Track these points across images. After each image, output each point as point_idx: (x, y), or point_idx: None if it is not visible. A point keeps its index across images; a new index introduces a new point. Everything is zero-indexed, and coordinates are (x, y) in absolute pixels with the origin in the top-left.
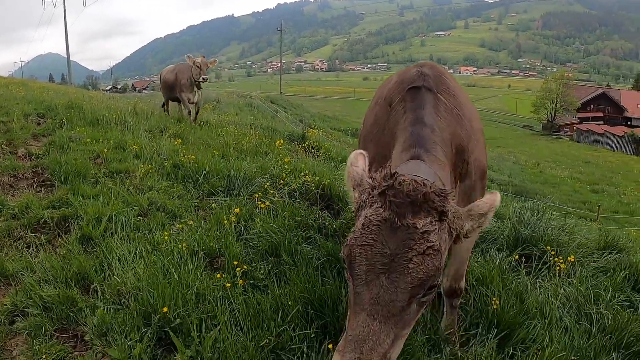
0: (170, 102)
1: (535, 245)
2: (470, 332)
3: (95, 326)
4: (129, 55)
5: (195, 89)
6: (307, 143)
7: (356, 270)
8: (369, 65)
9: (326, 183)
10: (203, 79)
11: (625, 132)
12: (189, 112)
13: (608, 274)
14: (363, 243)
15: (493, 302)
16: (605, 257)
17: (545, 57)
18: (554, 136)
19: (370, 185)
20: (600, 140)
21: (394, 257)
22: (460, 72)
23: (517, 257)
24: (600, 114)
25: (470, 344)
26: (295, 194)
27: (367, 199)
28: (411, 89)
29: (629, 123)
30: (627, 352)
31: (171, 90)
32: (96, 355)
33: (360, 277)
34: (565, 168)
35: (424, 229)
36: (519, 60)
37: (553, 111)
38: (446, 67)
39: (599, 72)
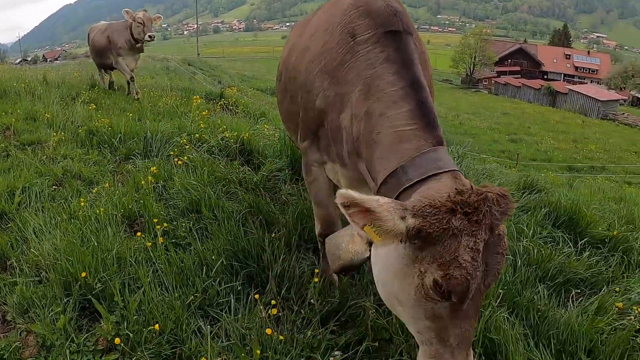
0: (104, 71)
1: None
2: None
3: (15, 304)
4: (37, 24)
5: (136, 53)
6: (224, 101)
7: (468, 295)
8: (287, 24)
9: (245, 137)
10: (149, 36)
11: (541, 85)
12: (130, 80)
13: (529, 212)
14: (476, 274)
15: None
16: (526, 197)
17: (464, 13)
18: (473, 89)
19: (457, 209)
20: (518, 93)
21: (488, 266)
22: None
23: None
24: (518, 68)
25: None
26: (215, 150)
27: (461, 224)
28: (389, 33)
29: (545, 77)
30: (552, 284)
31: (102, 56)
32: (20, 334)
33: (468, 297)
34: (485, 119)
35: (505, 233)
36: (438, 16)
37: (472, 65)
38: None
39: (517, 28)
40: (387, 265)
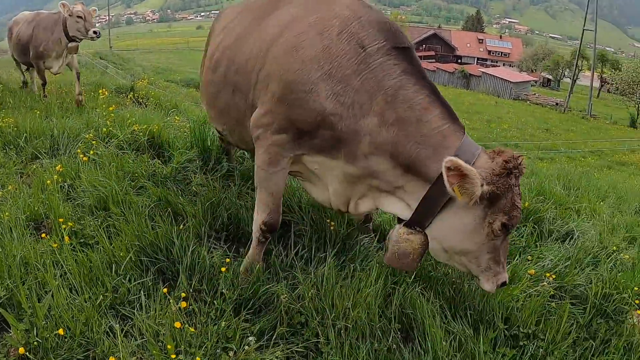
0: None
1: None
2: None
3: None
4: None
5: (69, 54)
6: (134, 94)
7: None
8: (202, 14)
9: (155, 130)
10: (95, 32)
11: (455, 69)
12: (43, 84)
13: None
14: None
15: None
16: None
17: (380, 0)
18: None
19: (510, 172)
20: (433, 77)
21: None
22: None
23: None
24: (433, 53)
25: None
26: (124, 145)
27: (514, 181)
28: (399, 49)
29: (459, 61)
30: None
31: (24, 53)
32: None
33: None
34: None
35: None
36: None
37: None
38: None
39: (431, 14)
40: (461, 227)
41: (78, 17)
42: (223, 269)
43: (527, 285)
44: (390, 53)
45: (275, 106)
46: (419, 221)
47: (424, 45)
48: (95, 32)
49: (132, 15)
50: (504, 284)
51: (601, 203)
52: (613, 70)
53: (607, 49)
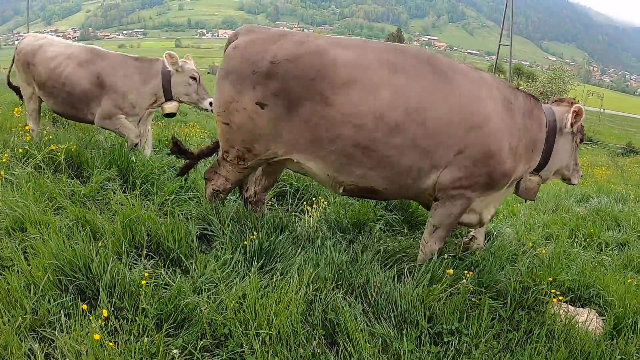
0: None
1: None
2: None
3: None
4: None
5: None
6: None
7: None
8: (124, 32)
9: (73, 150)
10: (210, 103)
11: None
12: (134, 147)
13: (360, 200)
14: None
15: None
16: None
17: (303, 19)
18: None
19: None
20: None
21: None
22: (219, 36)
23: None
24: None
25: None
26: (42, 165)
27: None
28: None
29: None
30: (388, 262)
31: (70, 104)
32: None
33: None
34: None
35: None
36: (277, 22)
37: None
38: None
39: (354, 33)
40: (567, 150)
41: (192, 77)
42: (143, 282)
43: (448, 284)
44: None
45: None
46: (541, 164)
47: None
48: (211, 104)
49: (52, 33)
50: (581, 176)
51: (518, 205)
52: (529, 82)
53: (523, 62)
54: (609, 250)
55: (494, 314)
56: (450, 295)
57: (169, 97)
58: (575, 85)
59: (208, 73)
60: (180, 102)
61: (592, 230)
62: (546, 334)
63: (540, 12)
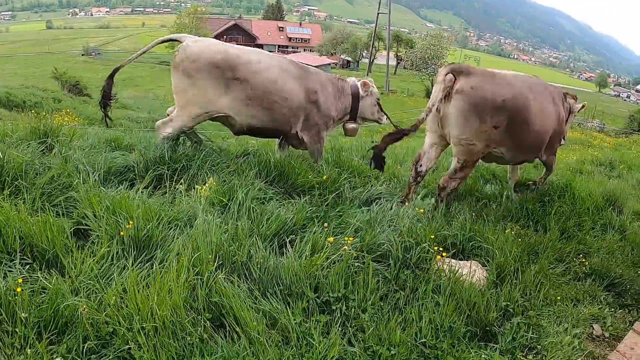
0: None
1: None
2: None
3: None
4: None
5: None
6: None
7: None
8: None
9: None
10: (387, 119)
11: None
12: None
13: (242, 174)
14: None
15: None
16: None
17: None
18: None
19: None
20: None
21: None
22: (92, 15)
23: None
24: (234, 43)
25: None
26: None
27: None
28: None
29: (261, 49)
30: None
31: (293, 117)
32: None
33: None
34: None
35: None
36: None
37: None
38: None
39: (232, 5)
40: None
41: (378, 100)
42: (18, 290)
43: (330, 252)
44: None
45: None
46: (353, 116)
47: (224, 37)
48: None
49: None
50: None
51: (399, 167)
52: (408, 48)
53: (402, 30)
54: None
55: (379, 276)
56: (334, 263)
57: (353, 117)
58: (453, 50)
59: (83, 55)
60: (360, 123)
61: (473, 185)
62: (432, 290)
63: None
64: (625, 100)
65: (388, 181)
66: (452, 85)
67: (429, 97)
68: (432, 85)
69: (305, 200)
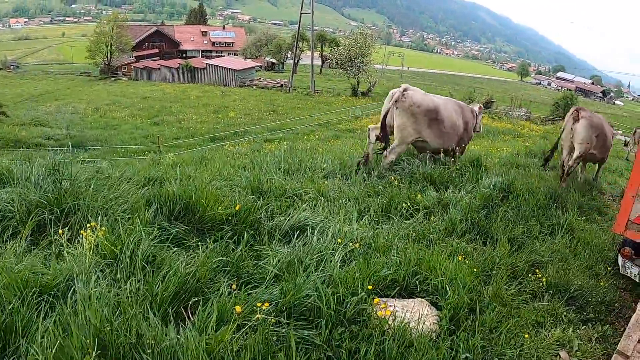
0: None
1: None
2: None
3: None
4: None
5: None
6: None
7: None
8: None
9: None
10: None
11: (179, 64)
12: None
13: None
14: None
15: None
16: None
17: (100, 0)
18: (113, 78)
19: None
20: (158, 75)
21: None
22: (10, 26)
23: None
24: (156, 50)
25: None
26: None
27: None
28: None
29: (184, 55)
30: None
31: (460, 141)
32: None
33: None
34: (125, 107)
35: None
36: (73, 6)
37: (109, 54)
38: None
39: (154, 10)
40: None
41: (481, 117)
42: None
43: (241, 319)
44: None
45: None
46: None
47: (146, 44)
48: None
49: None
50: None
51: (325, 182)
52: (332, 47)
53: (326, 29)
54: (432, 217)
55: (307, 343)
56: (247, 334)
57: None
58: (377, 47)
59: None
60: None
61: (416, 198)
62: (375, 353)
63: None
64: (546, 87)
65: (313, 201)
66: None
67: (355, 95)
68: (358, 83)
69: (215, 242)
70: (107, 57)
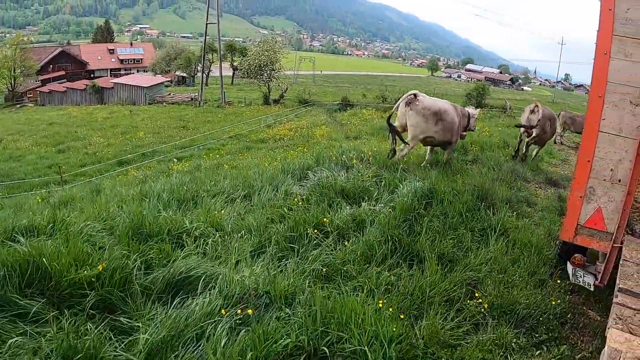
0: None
1: None
2: None
3: None
4: None
5: None
6: None
7: None
8: None
9: None
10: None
11: (86, 85)
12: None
13: None
14: None
15: None
16: None
17: (3, 23)
18: (18, 105)
19: None
20: (65, 98)
21: None
22: None
23: None
24: (63, 72)
25: None
26: None
27: None
28: None
29: (92, 75)
30: None
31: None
32: None
33: None
34: (30, 136)
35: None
36: None
37: (12, 79)
38: None
39: (60, 31)
40: None
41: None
42: None
43: None
44: None
45: None
46: None
47: (52, 66)
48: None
49: None
50: None
51: (222, 212)
52: (242, 56)
53: (236, 39)
54: (346, 242)
55: None
56: None
57: (465, 130)
58: (286, 53)
59: None
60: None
61: (324, 220)
62: None
63: None
64: (456, 80)
65: (205, 238)
66: None
67: (267, 104)
68: (269, 91)
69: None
70: (10, 84)
